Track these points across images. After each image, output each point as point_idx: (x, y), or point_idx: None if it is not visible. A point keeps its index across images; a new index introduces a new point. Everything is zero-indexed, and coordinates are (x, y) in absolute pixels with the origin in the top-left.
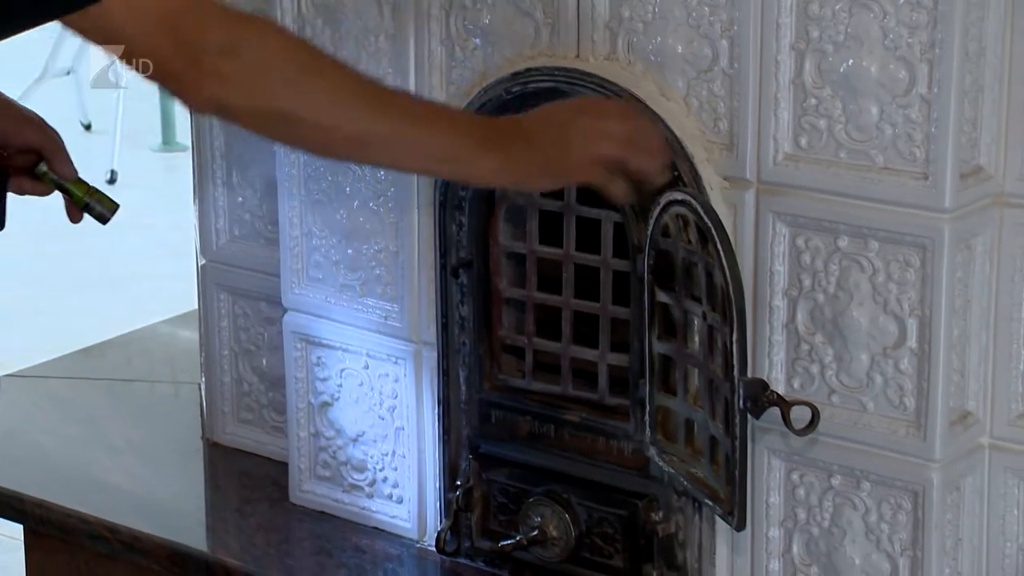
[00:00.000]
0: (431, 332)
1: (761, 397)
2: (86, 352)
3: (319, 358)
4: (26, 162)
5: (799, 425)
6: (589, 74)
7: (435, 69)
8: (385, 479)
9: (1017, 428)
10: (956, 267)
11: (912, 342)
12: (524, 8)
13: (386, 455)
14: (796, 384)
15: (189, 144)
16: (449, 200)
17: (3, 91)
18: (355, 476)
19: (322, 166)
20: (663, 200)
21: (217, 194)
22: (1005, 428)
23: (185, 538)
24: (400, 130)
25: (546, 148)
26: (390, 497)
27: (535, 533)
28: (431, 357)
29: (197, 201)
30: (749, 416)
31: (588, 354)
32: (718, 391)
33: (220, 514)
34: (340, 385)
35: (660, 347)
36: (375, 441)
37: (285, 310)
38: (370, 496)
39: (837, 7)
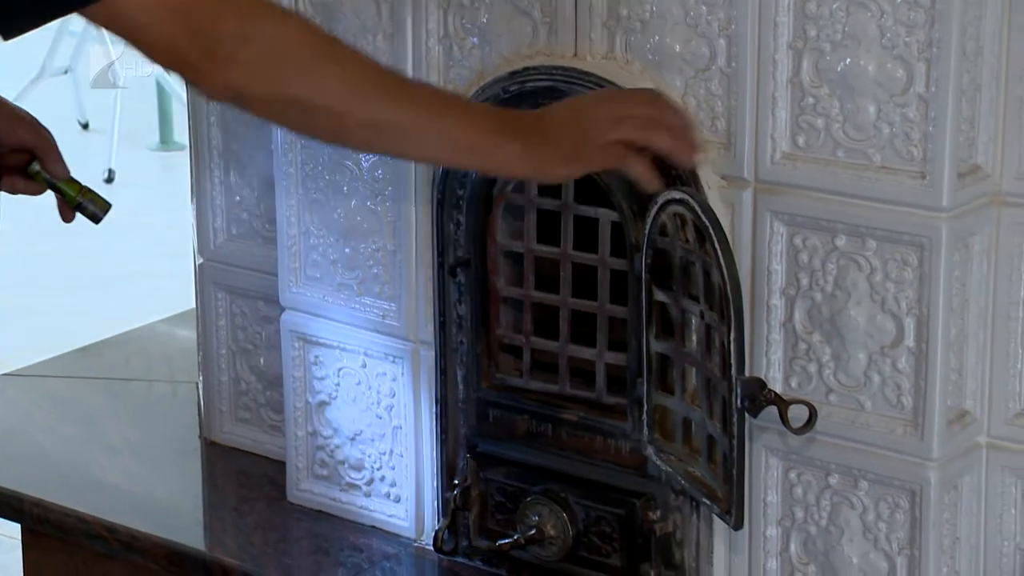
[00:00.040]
0: (429, 331)
1: (759, 396)
2: (84, 351)
3: (317, 357)
4: (19, 161)
5: (797, 424)
6: (587, 73)
7: (433, 68)
8: (383, 478)
9: (1014, 427)
10: (954, 266)
11: (910, 341)
12: (522, 7)
13: (384, 454)
14: (794, 383)
15: (187, 143)
16: (447, 199)
17: None
18: (353, 475)
19: (320, 165)
20: (661, 199)
21: (215, 193)
22: (1002, 427)
23: (183, 537)
24: (417, 118)
25: (567, 136)
26: (388, 496)
27: (533, 532)
28: (429, 356)
29: (195, 200)
30: (747, 415)
31: (586, 353)
32: (716, 390)
33: (218, 513)
34: (338, 384)
35: (658, 346)
36: (373, 440)
37: (283, 309)
38: (368, 495)
39: (835, 6)
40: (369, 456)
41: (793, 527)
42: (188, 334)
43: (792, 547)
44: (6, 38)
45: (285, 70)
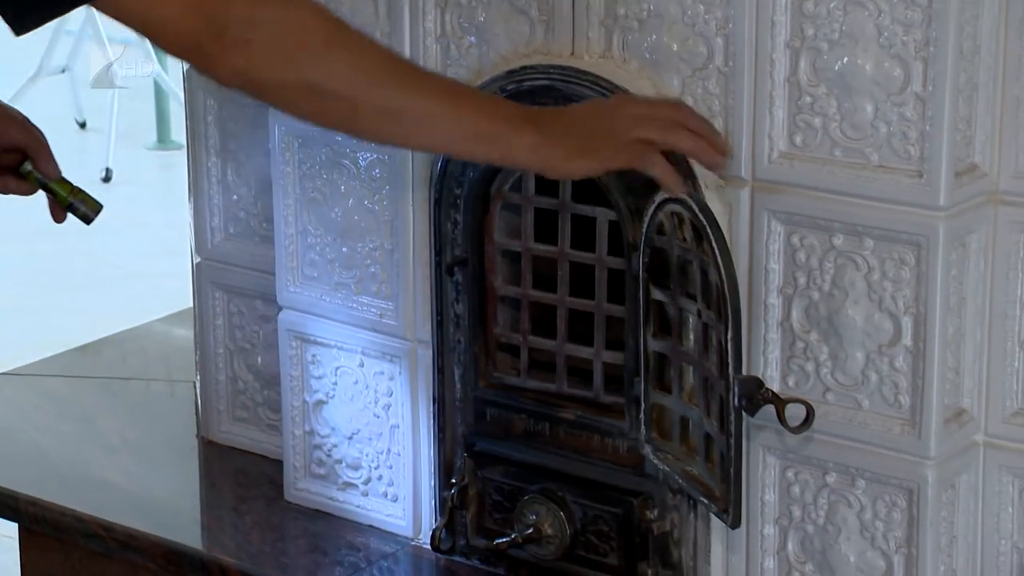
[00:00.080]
0: (426, 330)
1: (756, 395)
2: (81, 350)
3: (314, 356)
4: (10, 161)
5: (794, 423)
6: (584, 72)
7: (430, 67)
8: (380, 477)
9: (1012, 426)
10: (951, 265)
11: (907, 340)
12: (519, 6)
13: (381, 453)
14: (791, 382)
15: (184, 142)
16: (444, 198)
17: None
18: (350, 474)
19: (317, 164)
20: (658, 198)
21: (212, 192)
22: (1000, 426)
23: (180, 536)
24: (430, 104)
25: (587, 132)
26: (385, 495)
27: (530, 531)
28: (426, 355)
29: (192, 199)
30: (744, 414)
31: (583, 352)
32: (713, 389)
33: (215, 512)
34: (335, 383)
35: (655, 345)
36: (370, 439)
37: (280, 308)
38: (365, 494)
39: (832, 5)
40: (367, 455)
41: (790, 526)
42: (185, 333)
43: (789, 546)
44: (18, 33)
45: (296, 54)
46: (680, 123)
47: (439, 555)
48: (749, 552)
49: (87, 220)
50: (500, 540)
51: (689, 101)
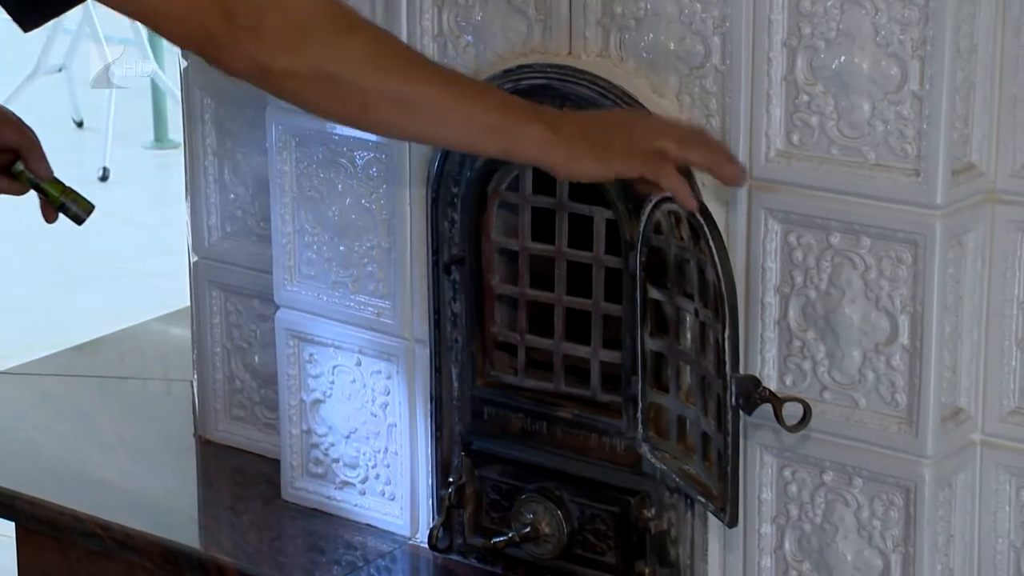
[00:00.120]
0: (423, 329)
1: (753, 394)
2: (79, 349)
3: (311, 355)
4: (2, 161)
5: (791, 422)
6: (581, 71)
7: None
8: (377, 476)
9: (1009, 424)
10: (948, 263)
11: (904, 338)
12: (516, 5)
13: (378, 452)
14: (788, 381)
15: (181, 141)
16: (441, 197)
17: None
18: (347, 473)
19: (314, 163)
20: (655, 197)
21: (209, 191)
22: (997, 424)
23: (177, 535)
24: (443, 96)
25: (603, 136)
26: (382, 494)
27: (527, 530)
28: (423, 354)
29: (189, 198)
30: (741, 413)
31: (580, 351)
32: (710, 388)
33: (212, 511)
34: (332, 382)
35: (652, 344)
36: (367, 438)
37: (277, 307)
38: (362, 493)
39: (829, 4)
40: (364, 454)
41: (787, 524)
42: (183, 332)
43: (787, 545)
44: (26, 30)
45: (306, 39)
46: (697, 140)
47: (436, 554)
48: (746, 551)
49: (79, 220)
50: (497, 539)
51: (686, 100)
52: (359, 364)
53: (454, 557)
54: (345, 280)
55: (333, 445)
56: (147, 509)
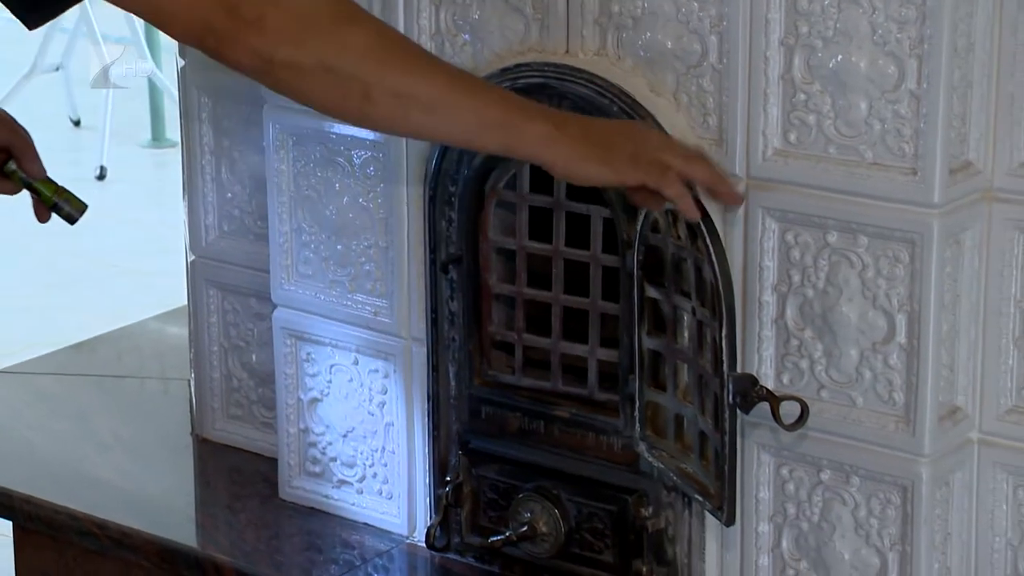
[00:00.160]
0: (421, 328)
1: (750, 392)
2: (76, 348)
3: (309, 354)
4: None
5: (788, 420)
6: (579, 70)
7: None
8: (375, 475)
9: (1006, 423)
10: (945, 262)
11: (901, 337)
12: (514, 4)
13: (376, 451)
14: (785, 379)
15: (179, 140)
16: (439, 195)
17: None
18: (345, 472)
19: (312, 162)
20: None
21: (207, 190)
22: (994, 423)
23: (175, 534)
24: (445, 91)
25: (609, 141)
26: (380, 493)
27: (525, 529)
28: (421, 353)
29: (186, 197)
30: (738, 411)
31: (578, 350)
32: (708, 386)
33: (210, 510)
34: (330, 381)
35: (650, 343)
36: (365, 437)
37: (275, 306)
38: (360, 492)
39: (826, 2)
40: (361, 453)
41: (785, 523)
42: (180, 331)
43: (784, 543)
44: (30, 28)
45: (310, 32)
46: (699, 159)
47: (434, 553)
48: (744, 549)
49: (71, 220)
50: (495, 538)
51: (683, 99)
52: (356, 363)
53: (451, 556)
54: (342, 279)
55: (330, 444)
56: (144, 508)
